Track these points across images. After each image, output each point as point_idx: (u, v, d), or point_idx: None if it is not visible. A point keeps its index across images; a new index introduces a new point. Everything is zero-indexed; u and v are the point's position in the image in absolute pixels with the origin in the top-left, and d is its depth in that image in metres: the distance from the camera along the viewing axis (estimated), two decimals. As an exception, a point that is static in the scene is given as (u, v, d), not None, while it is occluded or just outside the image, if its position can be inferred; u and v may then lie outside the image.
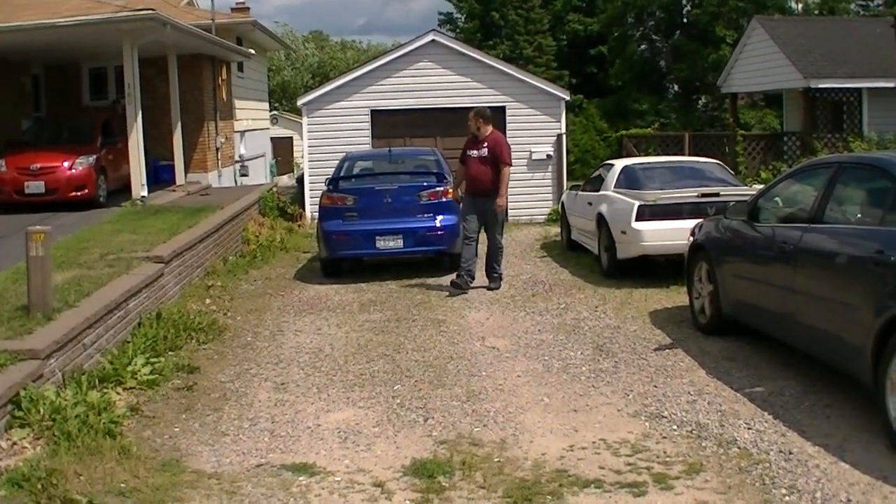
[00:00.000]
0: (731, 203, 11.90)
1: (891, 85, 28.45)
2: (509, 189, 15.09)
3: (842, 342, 7.99)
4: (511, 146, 15.37)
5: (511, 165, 15.28)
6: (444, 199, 15.76)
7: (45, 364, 8.57)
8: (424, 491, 6.78)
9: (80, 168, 20.36)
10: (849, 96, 30.33)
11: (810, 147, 27.79)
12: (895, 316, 7.08)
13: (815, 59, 29.32)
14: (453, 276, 15.14)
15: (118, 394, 9.11)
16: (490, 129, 15.24)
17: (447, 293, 14.62)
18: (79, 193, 20.21)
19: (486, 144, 14.97)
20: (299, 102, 26.11)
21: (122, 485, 6.82)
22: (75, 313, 9.83)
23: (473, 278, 14.91)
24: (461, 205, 15.67)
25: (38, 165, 20.07)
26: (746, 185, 17.23)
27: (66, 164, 20.19)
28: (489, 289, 14.81)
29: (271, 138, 39.69)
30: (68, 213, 19.04)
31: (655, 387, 9.21)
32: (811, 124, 29.92)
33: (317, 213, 17.66)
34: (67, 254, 13.50)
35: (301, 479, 7.10)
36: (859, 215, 8.65)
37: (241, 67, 31.41)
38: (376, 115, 25.40)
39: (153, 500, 6.60)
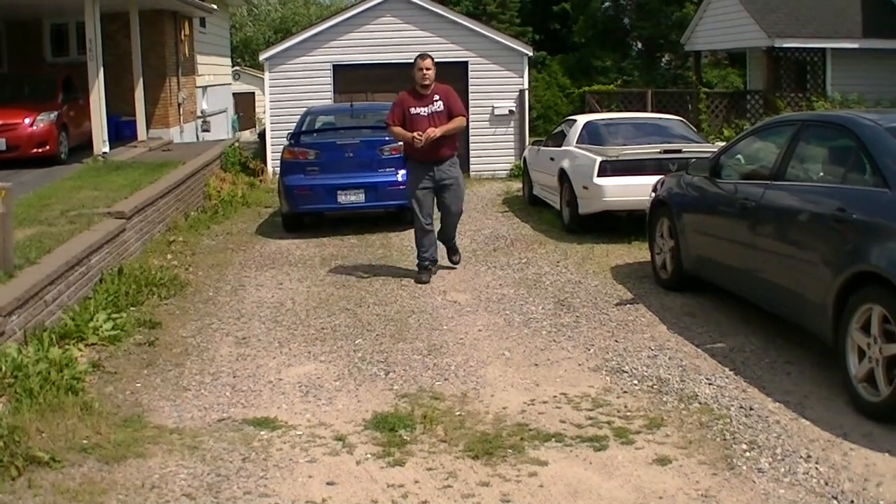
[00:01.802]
0: (693, 159, 11.95)
1: (855, 46, 28.49)
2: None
3: (803, 300, 8.04)
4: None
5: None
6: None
7: (6, 321, 8.51)
8: (386, 444, 6.80)
9: (42, 125, 20.11)
10: (812, 56, 30.33)
11: (773, 106, 27.79)
12: (856, 274, 7.14)
13: (780, 19, 29.28)
14: (415, 268, 12.76)
15: (80, 350, 9.07)
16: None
17: (413, 276, 12.54)
18: (40, 150, 19.98)
19: (437, 98, 12.45)
20: (261, 57, 25.94)
21: (85, 441, 6.81)
22: (37, 270, 9.76)
23: (436, 262, 12.81)
24: (409, 177, 12.94)
25: (-1, 122, 19.87)
26: (709, 143, 17.26)
27: (27, 120, 19.94)
28: (453, 262, 13.11)
29: (233, 94, 39.44)
30: (30, 169, 18.87)
31: (616, 341, 9.27)
32: (774, 83, 29.90)
33: (278, 168, 17.62)
34: (29, 211, 13.41)
35: (262, 433, 7.11)
36: (821, 173, 8.70)
37: (203, 23, 31.11)
38: (338, 70, 25.26)
39: (115, 456, 6.58)
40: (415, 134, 12.23)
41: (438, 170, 12.47)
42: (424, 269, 12.53)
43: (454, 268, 12.99)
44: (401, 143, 14.68)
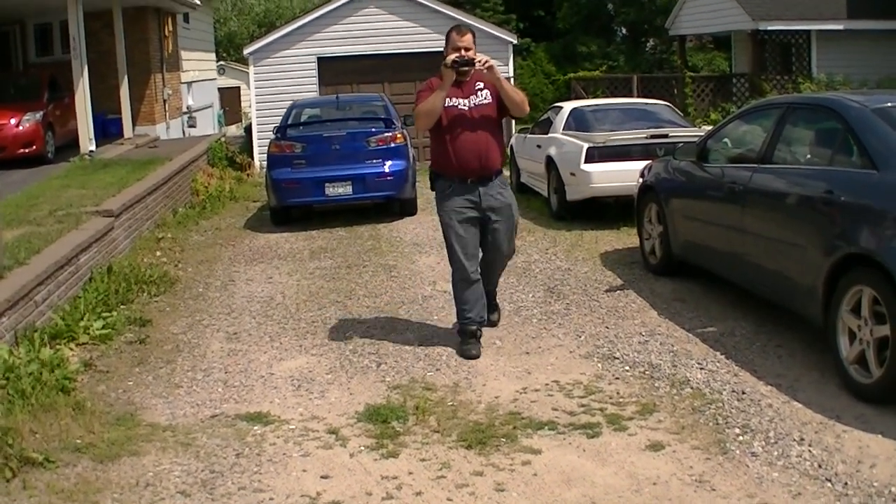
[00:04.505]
0: (680, 144, 11.95)
1: (840, 27, 28.54)
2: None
3: (792, 283, 8.04)
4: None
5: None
6: (392, 145, 15.72)
7: (-4, 322, 8.51)
8: (379, 436, 6.79)
9: (28, 125, 20.14)
10: (798, 38, 30.36)
11: (759, 89, 27.87)
12: (845, 256, 7.13)
13: (764, 1, 29.30)
14: (457, 336, 8.99)
15: (71, 350, 9.04)
16: None
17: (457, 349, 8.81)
18: (27, 150, 20.00)
19: (482, 86, 8.62)
20: (246, 51, 26.01)
21: (78, 440, 6.79)
22: (26, 271, 9.71)
23: (484, 321, 9.07)
24: (441, 205, 8.78)
25: (-15, 123, 19.80)
26: (695, 127, 17.26)
27: (13, 121, 19.96)
28: (491, 324, 9.35)
29: (219, 88, 39.42)
30: (16, 170, 18.88)
31: (607, 328, 9.26)
32: (760, 66, 29.97)
33: (265, 162, 17.62)
34: (17, 211, 13.37)
35: (255, 428, 7.10)
36: (808, 156, 8.67)
37: (186, 18, 31.09)
38: (323, 62, 25.33)
39: (109, 455, 6.57)
40: (453, 56, 8.41)
41: (486, 193, 8.66)
42: (471, 336, 8.80)
43: (443, 258, 12.76)
44: (388, 134, 14.64)
